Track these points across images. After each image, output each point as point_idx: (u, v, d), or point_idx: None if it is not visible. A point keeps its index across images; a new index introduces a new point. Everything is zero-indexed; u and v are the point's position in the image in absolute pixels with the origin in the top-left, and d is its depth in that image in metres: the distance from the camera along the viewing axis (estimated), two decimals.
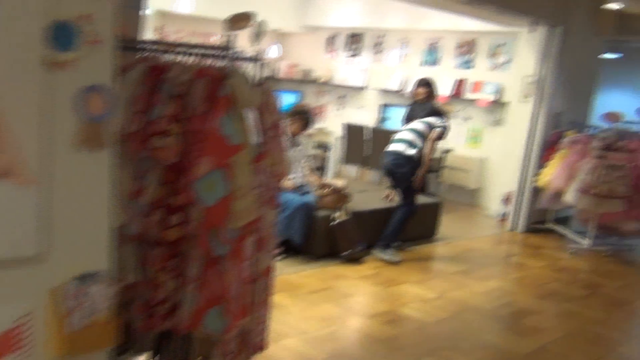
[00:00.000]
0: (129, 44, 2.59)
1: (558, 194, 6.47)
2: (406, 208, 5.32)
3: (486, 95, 7.90)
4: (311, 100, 10.04)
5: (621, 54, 8.94)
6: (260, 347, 2.49)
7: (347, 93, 9.65)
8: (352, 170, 8.89)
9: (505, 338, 3.97)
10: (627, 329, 4.58)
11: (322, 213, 5.04)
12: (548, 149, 6.88)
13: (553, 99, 6.89)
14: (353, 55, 9.62)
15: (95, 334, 1.82)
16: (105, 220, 1.83)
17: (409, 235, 5.71)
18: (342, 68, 9.65)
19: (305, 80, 9.97)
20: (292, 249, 4.96)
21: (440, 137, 5.33)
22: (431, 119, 5.35)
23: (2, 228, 1.63)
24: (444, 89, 7.91)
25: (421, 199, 5.71)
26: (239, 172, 2.10)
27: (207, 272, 2.19)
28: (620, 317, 4.70)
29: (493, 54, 8.07)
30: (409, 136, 5.28)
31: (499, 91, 7.83)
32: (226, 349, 2.29)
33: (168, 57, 2.33)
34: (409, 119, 5.58)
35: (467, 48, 8.33)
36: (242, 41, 2.35)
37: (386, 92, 9.02)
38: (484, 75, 8.06)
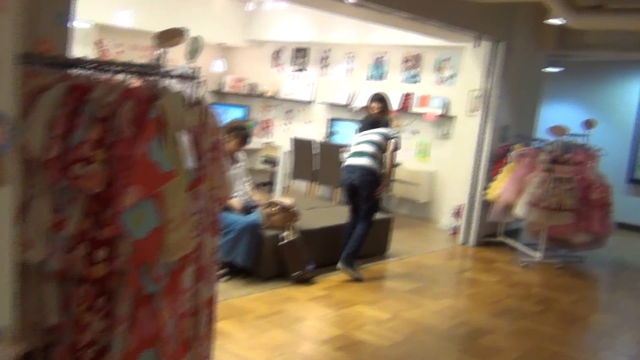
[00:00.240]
0: (53, 60, 2.38)
1: (508, 207, 6.50)
2: (367, 223, 5.20)
3: (433, 109, 7.92)
4: (258, 114, 9.88)
5: (562, 68, 9.15)
6: None
7: (294, 107, 9.54)
8: (301, 185, 8.74)
9: None
10: (582, 346, 4.56)
11: (269, 232, 4.86)
12: (496, 162, 6.92)
13: (499, 112, 6.94)
14: (299, 70, 9.52)
15: None
16: (5, 268, 1.55)
17: (360, 253, 5.58)
18: (289, 82, 9.54)
19: (252, 95, 9.81)
20: (238, 271, 4.75)
21: (396, 147, 5.24)
22: (384, 130, 5.25)
23: None
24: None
25: None
26: (172, 201, 1.92)
27: (139, 310, 2.00)
28: (576, 333, 4.69)
29: (439, 68, 8.11)
30: (370, 149, 5.16)
31: (446, 105, 7.86)
32: None
33: (95, 75, 2.14)
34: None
35: (412, 62, 8.35)
36: (179, 58, 2.18)
37: (334, 106, 8.95)
38: (430, 90, 8.09)
